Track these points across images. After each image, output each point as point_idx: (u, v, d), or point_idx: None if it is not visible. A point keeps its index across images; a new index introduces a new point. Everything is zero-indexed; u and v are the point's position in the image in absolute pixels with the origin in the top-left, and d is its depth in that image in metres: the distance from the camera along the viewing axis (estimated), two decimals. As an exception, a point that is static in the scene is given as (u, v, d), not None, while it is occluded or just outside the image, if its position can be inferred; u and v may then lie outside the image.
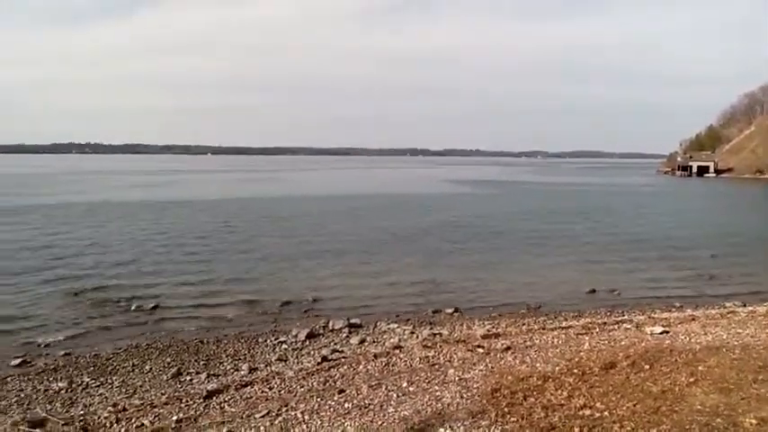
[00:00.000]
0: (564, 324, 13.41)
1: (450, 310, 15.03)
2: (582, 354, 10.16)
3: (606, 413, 7.09)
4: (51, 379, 10.22)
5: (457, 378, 9.07)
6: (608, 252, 25.22)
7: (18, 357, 11.28)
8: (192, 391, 9.30)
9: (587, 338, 11.51)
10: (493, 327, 13.31)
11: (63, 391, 9.59)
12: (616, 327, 12.65)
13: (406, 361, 10.37)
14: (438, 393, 8.33)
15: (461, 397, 8.09)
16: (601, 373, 8.71)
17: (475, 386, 8.54)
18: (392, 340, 12.33)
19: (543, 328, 12.82)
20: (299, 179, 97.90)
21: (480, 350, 10.77)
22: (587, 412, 7.14)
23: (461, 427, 6.97)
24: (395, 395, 8.40)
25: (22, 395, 9.47)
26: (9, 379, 10.24)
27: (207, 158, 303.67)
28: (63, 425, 8.05)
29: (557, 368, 9.18)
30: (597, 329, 12.38)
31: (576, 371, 8.90)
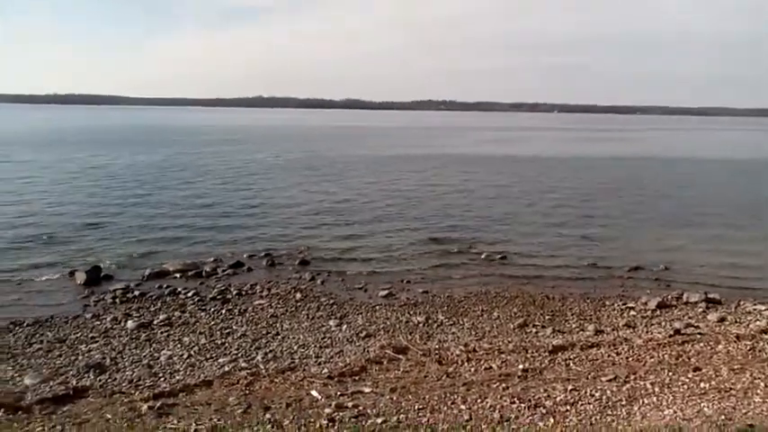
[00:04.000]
0: None
1: (838, 298, 12.87)
2: None
3: None
4: (411, 312, 11.49)
5: None
6: None
7: (385, 290, 12.92)
8: (538, 344, 9.63)
9: None
10: None
11: (421, 325, 10.72)
12: None
13: (777, 348, 9.26)
14: (820, 391, 7.29)
15: None
16: None
17: None
18: (759, 323, 11.07)
19: None
20: (647, 139, 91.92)
21: None
22: None
23: None
24: (762, 384, 7.62)
25: (388, 323, 10.84)
26: (377, 308, 11.81)
27: (554, 116, 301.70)
28: (421, 355, 9.01)
29: None
30: None
31: None
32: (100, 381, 8.29)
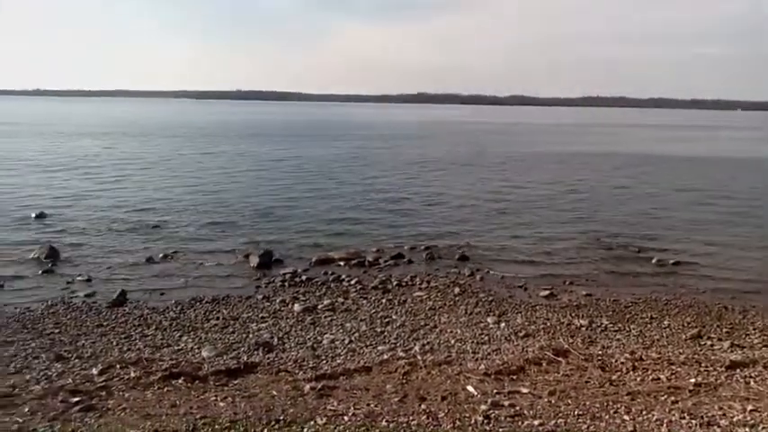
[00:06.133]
0: None
1: None
2: None
3: None
4: (574, 315, 11.07)
5: None
6: None
7: (546, 290, 12.58)
8: (713, 358, 8.90)
9: None
10: None
11: (584, 329, 10.29)
12: None
13: None
14: None
15: None
16: None
17: None
18: None
19: None
20: None
21: None
22: None
23: None
24: None
25: (548, 324, 10.53)
26: (538, 308, 11.53)
27: (737, 114, 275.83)
28: (583, 359, 8.65)
29: None
30: None
31: None
32: (268, 358, 8.78)
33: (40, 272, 13.14)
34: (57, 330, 9.81)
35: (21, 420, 6.40)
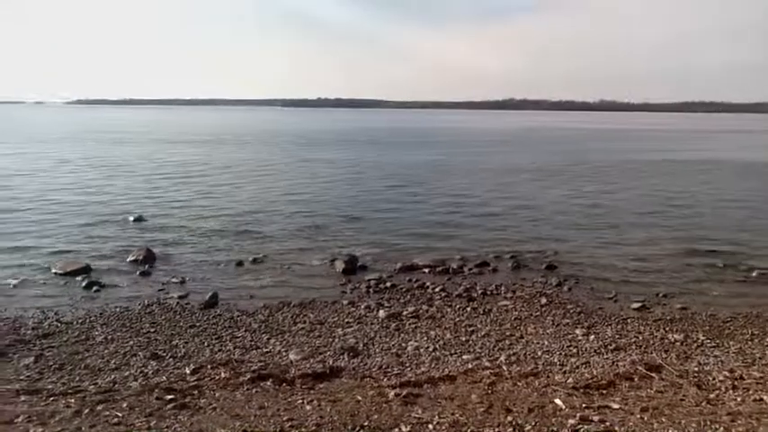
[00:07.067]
0: None
1: None
2: None
3: None
4: (667, 329, 10.62)
5: None
6: None
7: (638, 302, 12.14)
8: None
9: None
10: None
11: (678, 344, 9.84)
12: None
13: None
14: None
15: None
16: None
17: None
18: None
19: None
20: None
21: None
22: None
23: None
24: None
25: (640, 338, 10.14)
26: (629, 320, 11.13)
27: None
28: (677, 376, 8.26)
29: None
30: None
31: None
32: (353, 363, 8.84)
33: (138, 273, 13.78)
34: (152, 330, 10.25)
35: (120, 415, 6.70)
